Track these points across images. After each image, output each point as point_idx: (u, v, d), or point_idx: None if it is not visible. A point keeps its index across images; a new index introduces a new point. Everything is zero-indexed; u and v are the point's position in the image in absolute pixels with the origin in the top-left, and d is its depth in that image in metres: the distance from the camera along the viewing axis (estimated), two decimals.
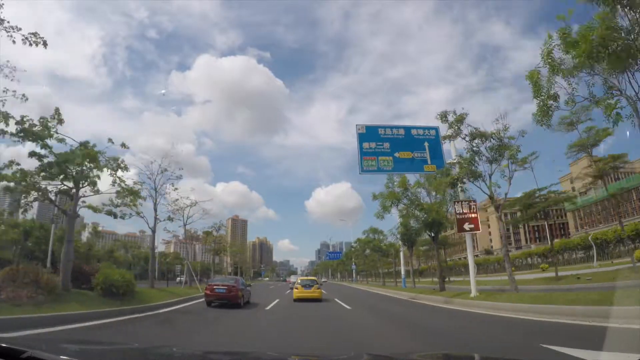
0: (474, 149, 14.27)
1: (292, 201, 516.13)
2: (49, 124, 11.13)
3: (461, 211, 15.13)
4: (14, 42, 9.27)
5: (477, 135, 14.05)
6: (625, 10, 8.90)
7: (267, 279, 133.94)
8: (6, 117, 9.82)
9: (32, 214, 29.89)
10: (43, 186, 11.71)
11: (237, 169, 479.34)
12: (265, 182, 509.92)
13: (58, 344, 2.63)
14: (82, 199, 12.47)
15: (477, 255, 45.89)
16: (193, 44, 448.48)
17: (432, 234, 20.24)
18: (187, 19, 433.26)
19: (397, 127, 18.12)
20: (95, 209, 13.87)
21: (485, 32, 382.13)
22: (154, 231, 19.01)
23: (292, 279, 42.43)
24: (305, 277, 21.36)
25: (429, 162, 17.24)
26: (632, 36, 8.82)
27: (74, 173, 11.66)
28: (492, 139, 13.82)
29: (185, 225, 25.02)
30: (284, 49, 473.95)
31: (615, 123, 9.52)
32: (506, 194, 14.27)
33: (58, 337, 6.39)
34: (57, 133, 11.38)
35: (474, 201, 15.61)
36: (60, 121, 11.46)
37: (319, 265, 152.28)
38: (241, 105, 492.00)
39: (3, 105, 9.81)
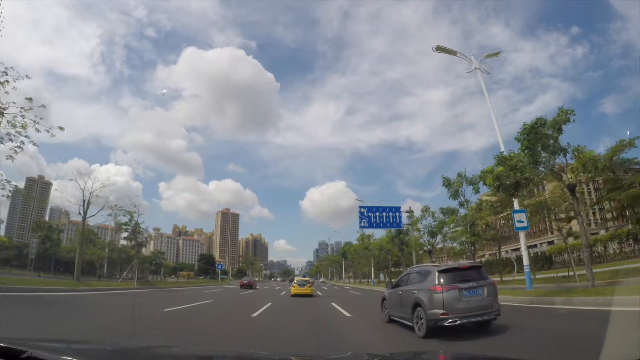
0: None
1: (289, 202, 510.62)
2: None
3: None
4: None
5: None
6: None
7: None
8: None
9: None
10: None
11: (230, 168, 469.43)
12: (262, 183, 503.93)
13: (58, 344, 2.65)
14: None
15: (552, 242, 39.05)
16: (190, 42, 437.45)
17: None
18: (185, 17, 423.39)
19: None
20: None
21: (484, 33, 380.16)
22: (84, 211, 19.42)
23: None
24: (301, 278, 26.77)
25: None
26: None
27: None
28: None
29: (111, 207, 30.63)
30: (282, 48, 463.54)
31: None
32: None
33: (58, 337, 6.26)
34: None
35: None
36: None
37: (322, 259, 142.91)
38: (236, 101, 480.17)
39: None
